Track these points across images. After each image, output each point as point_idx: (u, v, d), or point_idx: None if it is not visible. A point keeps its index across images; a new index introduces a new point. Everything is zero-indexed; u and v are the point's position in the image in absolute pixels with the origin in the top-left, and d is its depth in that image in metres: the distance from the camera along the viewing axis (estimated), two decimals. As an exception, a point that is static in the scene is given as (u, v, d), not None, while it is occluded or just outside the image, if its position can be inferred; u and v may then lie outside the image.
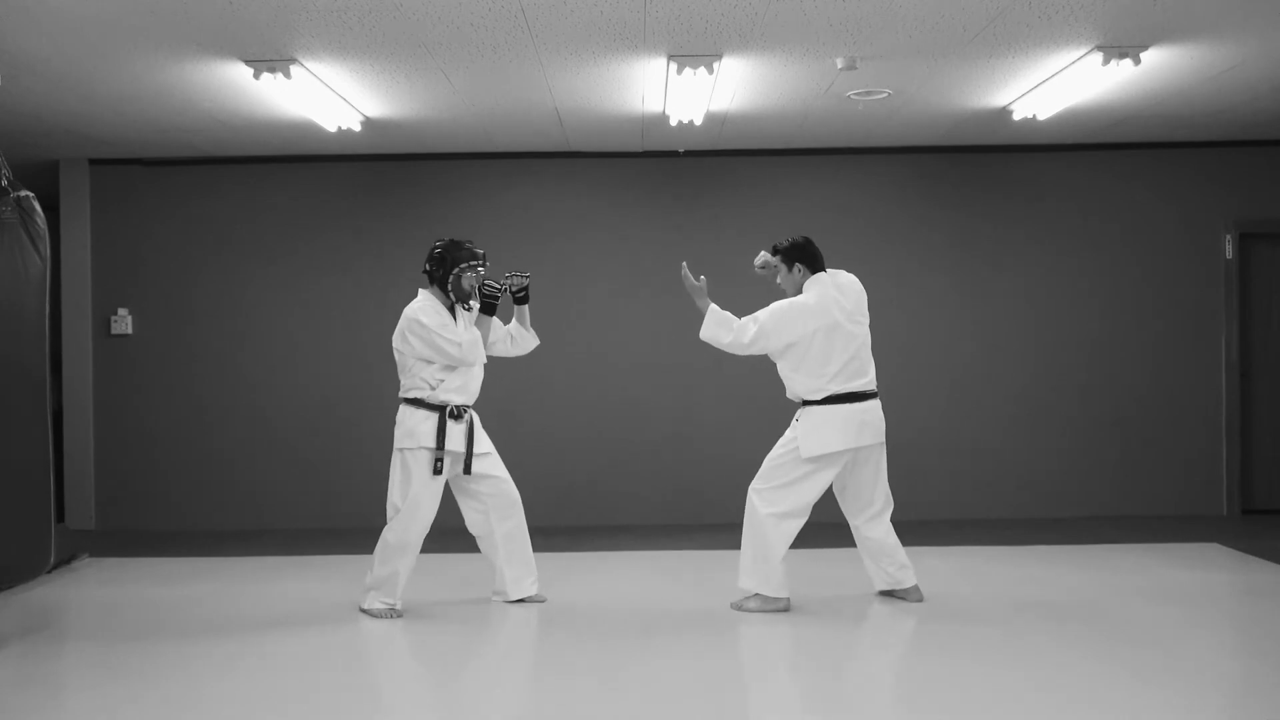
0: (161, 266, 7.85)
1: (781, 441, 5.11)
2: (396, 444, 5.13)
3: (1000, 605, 5.20)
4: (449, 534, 5.68)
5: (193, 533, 7.62)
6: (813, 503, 5.04)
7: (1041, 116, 6.53)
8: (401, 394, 5.18)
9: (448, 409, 5.09)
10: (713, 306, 5.12)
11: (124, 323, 7.82)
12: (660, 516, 7.74)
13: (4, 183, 4.87)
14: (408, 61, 5.45)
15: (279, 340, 7.85)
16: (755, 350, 5.08)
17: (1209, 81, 6.00)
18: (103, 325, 7.85)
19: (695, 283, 5.14)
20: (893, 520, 5.23)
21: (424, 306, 5.15)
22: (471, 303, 5.24)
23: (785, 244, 5.18)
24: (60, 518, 7.50)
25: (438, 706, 3.93)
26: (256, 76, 5.42)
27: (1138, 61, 5.38)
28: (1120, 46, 5.30)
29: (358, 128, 6.59)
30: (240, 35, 4.98)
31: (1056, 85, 5.88)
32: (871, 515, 5.16)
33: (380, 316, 7.84)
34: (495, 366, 7.80)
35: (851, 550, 5.43)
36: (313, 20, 4.80)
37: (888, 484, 5.19)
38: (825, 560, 6.08)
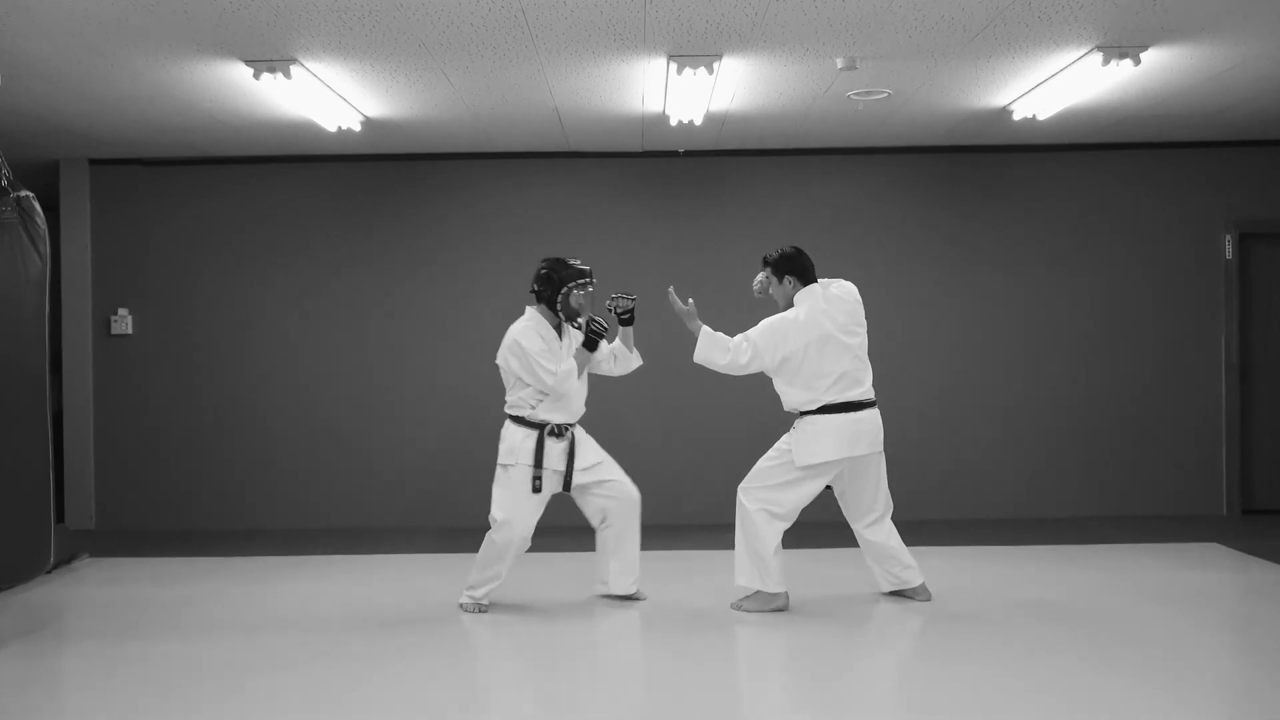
0: (161, 266, 7.85)
1: (776, 447, 5.10)
2: (500, 459, 5.18)
3: (1000, 605, 5.20)
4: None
5: (193, 533, 7.62)
6: (800, 508, 5.04)
7: (1041, 116, 6.53)
8: (506, 410, 5.23)
9: (546, 427, 5.13)
10: (705, 329, 5.10)
11: (124, 323, 7.82)
12: (660, 517, 7.72)
13: (4, 183, 4.87)
14: (408, 61, 5.45)
15: (279, 340, 7.85)
16: (751, 370, 5.07)
17: (1209, 81, 6.00)
18: (103, 325, 7.85)
19: (684, 306, 5.15)
20: (895, 520, 5.23)
21: (527, 328, 5.16)
22: (578, 321, 5.25)
23: (775, 256, 5.15)
24: (60, 518, 7.50)
25: (435, 706, 3.93)
26: (256, 76, 5.41)
27: (1138, 61, 5.37)
28: (1120, 46, 5.30)
29: (358, 128, 6.59)
30: (240, 35, 4.98)
31: (1056, 85, 5.88)
32: (872, 520, 5.16)
33: (380, 316, 7.86)
34: (493, 367, 7.81)
35: (852, 550, 5.43)
36: (313, 20, 4.80)
37: (888, 489, 5.19)
38: (826, 560, 6.08)
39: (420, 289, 7.84)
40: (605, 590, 5.38)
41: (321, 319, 7.85)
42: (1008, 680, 4.07)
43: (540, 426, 5.13)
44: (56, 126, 6.76)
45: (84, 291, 7.82)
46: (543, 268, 5.23)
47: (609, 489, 5.27)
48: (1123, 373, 7.79)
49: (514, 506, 5.11)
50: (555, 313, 5.21)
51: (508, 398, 5.23)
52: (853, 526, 5.24)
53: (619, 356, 5.40)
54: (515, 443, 5.14)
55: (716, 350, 5.05)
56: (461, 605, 5.24)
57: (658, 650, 4.62)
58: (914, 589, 5.24)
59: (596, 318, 5.22)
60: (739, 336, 5.04)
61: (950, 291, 7.81)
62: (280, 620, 5.14)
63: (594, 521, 5.38)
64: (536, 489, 5.12)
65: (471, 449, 7.83)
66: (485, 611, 5.20)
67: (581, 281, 5.18)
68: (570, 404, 5.22)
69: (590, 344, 5.22)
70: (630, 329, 5.38)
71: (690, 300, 5.19)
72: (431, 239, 7.84)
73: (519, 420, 5.17)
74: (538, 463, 5.11)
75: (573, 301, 5.18)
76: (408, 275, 7.84)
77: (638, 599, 5.36)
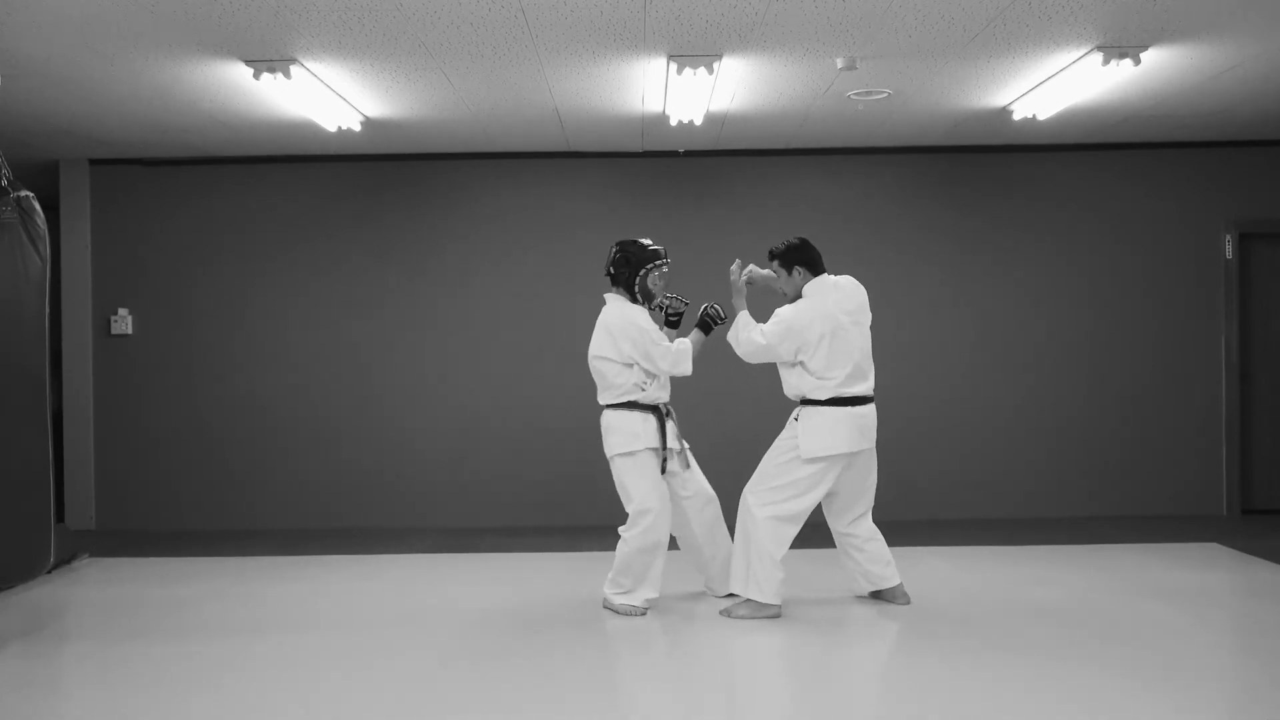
0: (161, 266, 7.85)
1: (778, 444, 5.06)
2: (618, 449, 5.06)
3: (999, 605, 5.20)
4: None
5: (193, 533, 7.62)
6: (810, 509, 5.00)
7: (1041, 116, 6.53)
8: (609, 400, 5.11)
9: (660, 407, 5.11)
10: (744, 313, 5.10)
11: (124, 323, 7.82)
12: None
13: (4, 183, 4.88)
14: (408, 61, 5.45)
15: (279, 340, 7.85)
16: (764, 360, 5.07)
17: (1209, 81, 6.00)
18: (103, 325, 7.85)
19: (739, 284, 5.16)
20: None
21: (635, 310, 5.10)
22: (654, 304, 5.21)
23: (781, 247, 5.12)
24: (60, 518, 7.50)
25: (435, 706, 3.93)
26: (256, 76, 5.41)
27: (1138, 61, 5.38)
28: (1120, 46, 5.30)
29: (358, 128, 6.59)
30: (240, 35, 4.98)
31: (1056, 85, 5.88)
32: (855, 517, 5.16)
33: (380, 316, 7.86)
34: (493, 368, 7.82)
35: (830, 551, 5.42)
36: (313, 20, 4.80)
37: (875, 486, 5.20)
38: (820, 561, 6.07)
39: (421, 289, 7.84)
40: (719, 591, 5.32)
41: (321, 319, 7.85)
42: (1007, 681, 4.07)
43: (653, 408, 5.09)
44: (56, 126, 6.76)
45: (84, 291, 7.82)
46: (618, 251, 5.17)
47: (693, 483, 5.22)
48: (1123, 373, 7.79)
49: (651, 491, 5.03)
50: (633, 295, 5.16)
51: (609, 389, 5.10)
52: (833, 523, 5.20)
53: None
54: (636, 427, 5.04)
55: (742, 335, 5.04)
56: (617, 608, 5.11)
57: (652, 650, 4.61)
58: (892, 589, 5.19)
59: (679, 297, 5.19)
60: (757, 329, 5.02)
61: (949, 292, 7.81)
62: (279, 620, 5.14)
63: (673, 522, 5.24)
64: (665, 470, 5.10)
65: (472, 449, 7.84)
66: (644, 614, 5.09)
67: (658, 263, 5.14)
68: (668, 381, 5.20)
69: (672, 325, 5.19)
70: (674, 333, 5.32)
71: (747, 273, 5.18)
72: (431, 239, 7.84)
73: (631, 405, 5.07)
74: (663, 444, 5.07)
75: (650, 284, 5.15)
76: (408, 275, 7.84)
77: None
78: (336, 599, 5.57)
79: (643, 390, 5.06)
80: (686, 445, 5.25)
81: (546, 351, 7.83)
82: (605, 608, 5.18)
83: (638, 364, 5.04)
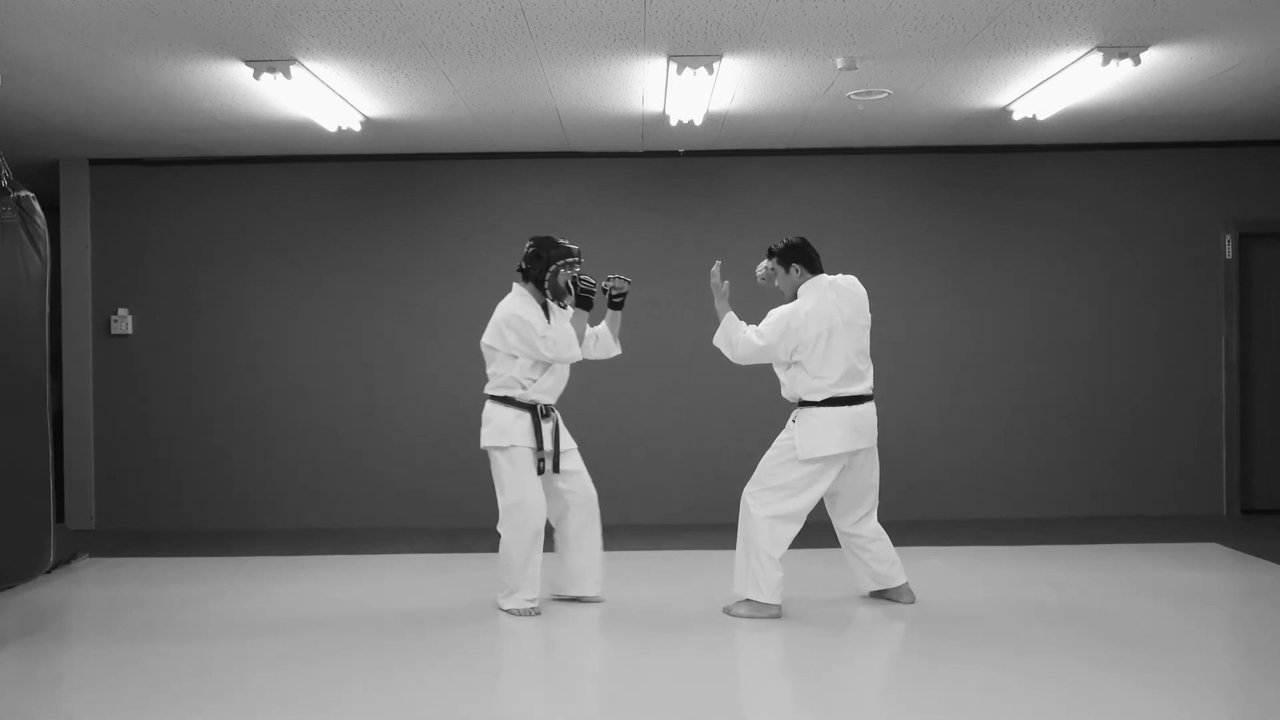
0: (161, 266, 7.85)
1: (777, 444, 5.06)
2: (487, 442, 5.11)
3: (999, 605, 5.20)
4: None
5: (193, 533, 7.62)
6: (808, 508, 4.99)
7: (1041, 116, 6.53)
8: (489, 391, 5.17)
9: (538, 408, 5.09)
10: (730, 315, 5.09)
11: (124, 323, 7.82)
12: (658, 516, 7.74)
13: (4, 183, 4.88)
14: (408, 61, 5.45)
15: (279, 340, 7.85)
16: (761, 361, 5.07)
17: (1209, 81, 6.00)
18: (103, 325, 7.85)
19: (721, 286, 5.13)
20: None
21: (523, 303, 5.12)
22: (566, 300, 5.19)
23: (780, 245, 5.16)
24: (60, 518, 7.50)
25: (435, 707, 3.93)
26: (256, 76, 5.42)
27: (1138, 61, 5.38)
28: (1120, 46, 5.30)
29: (358, 128, 6.59)
30: (240, 35, 4.98)
31: (1056, 85, 5.88)
32: (860, 516, 5.14)
33: (381, 316, 7.86)
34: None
35: (833, 551, 5.42)
36: (313, 20, 4.80)
37: (878, 485, 5.19)
38: (819, 560, 6.08)
39: (421, 289, 7.84)
40: (567, 592, 5.31)
41: (322, 319, 7.85)
42: (1007, 681, 4.07)
43: (530, 407, 5.09)
44: (56, 126, 6.76)
45: (84, 291, 7.82)
46: (530, 246, 5.19)
47: (574, 481, 5.22)
48: (1123, 373, 7.79)
49: (522, 486, 5.04)
50: (542, 291, 5.16)
51: (493, 377, 5.15)
52: (838, 523, 5.20)
53: (600, 339, 5.34)
54: (506, 423, 5.07)
55: (735, 338, 5.05)
56: (512, 611, 5.10)
57: (652, 651, 4.61)
58: (898, 588, 5.19)
59: (584, 277, 5.16)
60: (751, 329, 5.04)
61: (949, 292, 7.81)
62: (280, 620, 5.13)
63: (552, 516, 5.27)
64: (542, 470, 5.08)
65: (474, 449, 7.82)
66: (539, 614, 5.09)
67: (569, 260, 5.13)
68: (557, 385, 5.18)
69: (583, 303, 5.16)
70: (619, 315, 5.34)
71: (726, 282, 5.16)
72: (431, 239, 7.84)
73: (507, 401, 5.11)
74: (539, 444, 5.06)
75: (560, 280, 5.14)
76: (408, 275, 7.84)
77: (597, 601, 5.31)
78: (337, 599, 5.57)
79: (522, 388, 5.09)
80: (572, 448, 5.25)
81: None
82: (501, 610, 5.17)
83: (523, 356, 5.06)
